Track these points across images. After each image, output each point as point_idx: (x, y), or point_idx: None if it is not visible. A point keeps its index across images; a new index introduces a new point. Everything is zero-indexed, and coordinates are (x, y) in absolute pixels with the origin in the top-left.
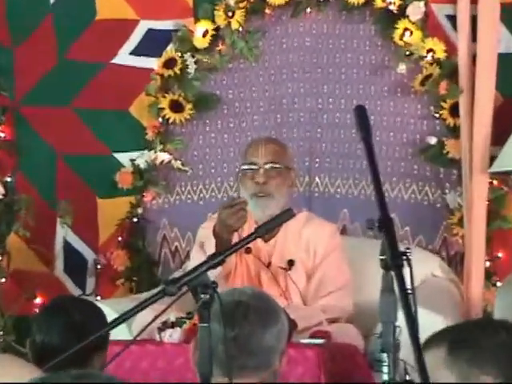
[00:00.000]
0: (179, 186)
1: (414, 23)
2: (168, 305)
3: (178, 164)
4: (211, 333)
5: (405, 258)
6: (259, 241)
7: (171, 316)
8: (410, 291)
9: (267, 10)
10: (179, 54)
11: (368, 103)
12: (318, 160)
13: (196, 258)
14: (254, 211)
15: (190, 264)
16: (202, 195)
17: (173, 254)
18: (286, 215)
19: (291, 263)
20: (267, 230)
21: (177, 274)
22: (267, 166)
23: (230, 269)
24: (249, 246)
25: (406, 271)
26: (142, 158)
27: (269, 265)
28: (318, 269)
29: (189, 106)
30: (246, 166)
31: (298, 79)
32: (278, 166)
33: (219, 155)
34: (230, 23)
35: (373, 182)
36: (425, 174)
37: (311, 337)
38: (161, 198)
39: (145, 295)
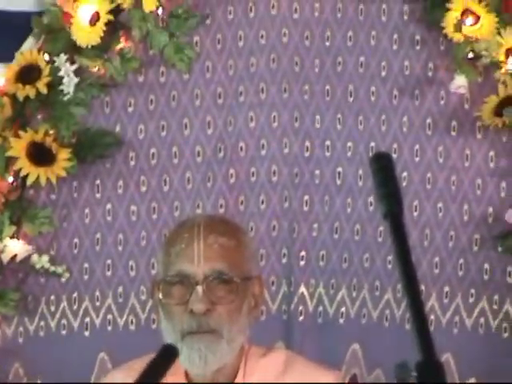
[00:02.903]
0: (46, 304)
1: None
2: None
3: (43, 261)
4: None
5: None
6: None
7: None
8: None
9: None
10: (46, 57)
11: (396, 148)
12: (304, 253)
13: None
14: (187, 361)
15: None
16: (88, 321)
17: None
18: (162, 359)
19: None
20: None
21: None
22: (210, 280)
23: None
24: None
25: None
26: None
27: None
28: None
29: (64, 152)
30: (170, 279)
31: (268, 104)
32: (228, 277)
33: (120, 246)
34: (140, 1)
35: (406, 295)
36: (505, 281)
37: None
38: (11, 327)
39: None
